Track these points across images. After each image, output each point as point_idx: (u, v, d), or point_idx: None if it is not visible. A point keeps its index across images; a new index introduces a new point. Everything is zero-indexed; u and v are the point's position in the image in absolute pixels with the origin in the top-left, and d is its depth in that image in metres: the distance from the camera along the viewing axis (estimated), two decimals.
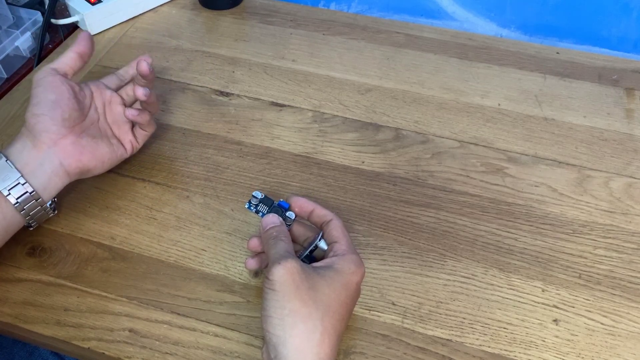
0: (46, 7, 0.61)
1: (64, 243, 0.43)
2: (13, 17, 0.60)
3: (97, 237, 0.44)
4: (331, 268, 0.35)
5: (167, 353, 0.37)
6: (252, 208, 0.39)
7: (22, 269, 0.42)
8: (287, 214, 0.38)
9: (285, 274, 0.33)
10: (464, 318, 0.39)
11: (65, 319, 0.39)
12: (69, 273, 0.41)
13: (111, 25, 0.63)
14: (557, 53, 0.61)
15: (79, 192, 0.47)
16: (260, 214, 0.39)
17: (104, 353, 0.37)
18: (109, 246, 0.43)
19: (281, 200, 0.39)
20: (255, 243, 0.38)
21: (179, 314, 0.39)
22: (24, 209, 0.39)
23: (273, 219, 0.37)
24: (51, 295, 0.40)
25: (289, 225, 0.38)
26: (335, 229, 0.37)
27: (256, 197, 0.39)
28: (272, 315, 0.32)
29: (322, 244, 0.38)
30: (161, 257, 0.42)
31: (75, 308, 0.39)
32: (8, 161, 0.38)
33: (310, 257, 0.38)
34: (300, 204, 0.39)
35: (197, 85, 0.57)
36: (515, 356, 0.38)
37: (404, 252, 0.43)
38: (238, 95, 0.56)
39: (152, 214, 0.45)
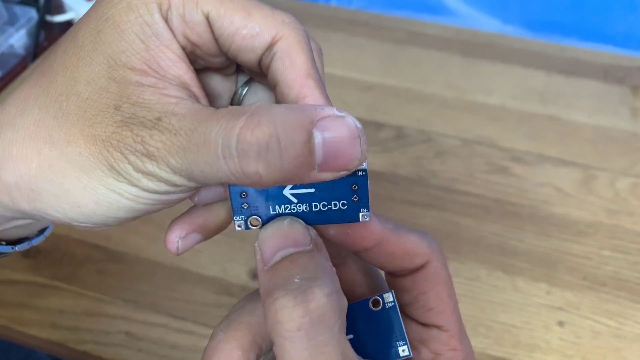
0: (41, 3, 0.60)
1: (59, 244, 0.43)
2: (7, 14, 0.59)
3: (93, 238, 0.43)
4: None
5: (164, 356, 0.37)
6: (241, 216, 0.18)
7: (17, 270, 0.41)
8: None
9: None
10: (468, 321, 0.39)
11: (60, 321, 0.38)
12: (64, 275, 0.41)
13: None
14: (562, 50, 0.60)
15: None
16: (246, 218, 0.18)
17: (100, 356, 0.37)
18: (105, 247, 0.42)
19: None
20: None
21: (176, 316, 0.39)
22: None
23: (290, 234, 0.18)
24: (46, 297, 0.40)
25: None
26: (436, 285, 0.20)
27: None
28: None
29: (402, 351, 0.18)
30: (157, 258, 0.42)
31: (70, 310, 0.39)
32: None
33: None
34: None
35: None
36: (519, 359, 0.37)
37: None
38: None
39: (148, 215, 0.44)
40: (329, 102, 0.18)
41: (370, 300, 0.19)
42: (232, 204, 0.18)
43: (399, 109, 0.54)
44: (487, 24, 0.66)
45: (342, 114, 0.16)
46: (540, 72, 0.58)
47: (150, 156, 0.16)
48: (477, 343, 0.38)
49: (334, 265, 0.20)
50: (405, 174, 0.48)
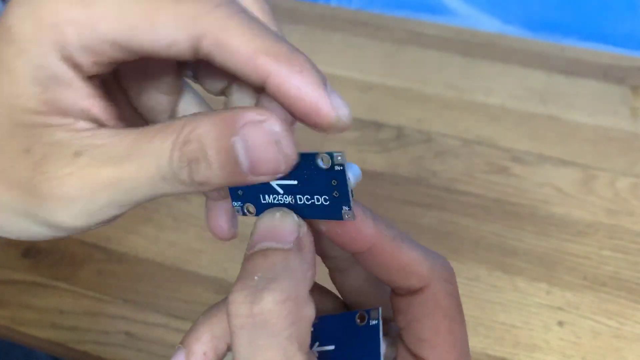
0: None
1: (59, 244, 0.43)
2: None
3: (93, 239, 0.43)
4: None
5: (163, 356, 0.37)
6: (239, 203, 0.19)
7: (17, 270, 0.41)
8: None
9: None
10: (468, 321, 0.39)
11: (60, 321, 0.38)
12: (64, 275, 0.41)
13: None
14: (562, 50, 0.60)
15: None
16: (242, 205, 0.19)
17: (100, 356, 0.37)
18: (105, 247, 0.42)
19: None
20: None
21: (176, 316, 0.39)
22: None
23: (275, 228, 0.17)
24: (46, 297, 0.40)
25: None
26: (433, 315, 0.18)
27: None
28: None
29: None
30: (158, 258, 0.42)
31: (70, 310, 0.39)
32: None
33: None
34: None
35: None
36: (519, 359, 0.37)
37: None
38: None
39: (148, 215, 0.45)
40: (286, 44, 0.17)
41: (357, 314, 0.18)
42: (229, 191, 0.18)
43: (399, 109, 0.54)
44: (487, 24, 0.66)
45: (262, 118, 0.15)
46: (540, 72, 0.58)
47: (72, 199, 0.16)
48: (477, 343, 0.38)
49: (340, 269, 0.19)
50: (405, 174, 0.48)
